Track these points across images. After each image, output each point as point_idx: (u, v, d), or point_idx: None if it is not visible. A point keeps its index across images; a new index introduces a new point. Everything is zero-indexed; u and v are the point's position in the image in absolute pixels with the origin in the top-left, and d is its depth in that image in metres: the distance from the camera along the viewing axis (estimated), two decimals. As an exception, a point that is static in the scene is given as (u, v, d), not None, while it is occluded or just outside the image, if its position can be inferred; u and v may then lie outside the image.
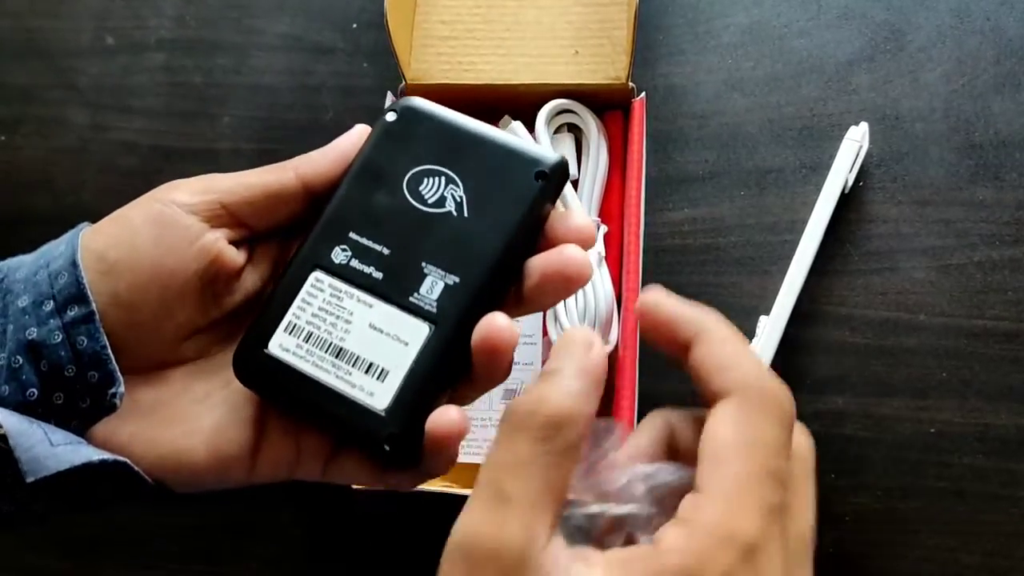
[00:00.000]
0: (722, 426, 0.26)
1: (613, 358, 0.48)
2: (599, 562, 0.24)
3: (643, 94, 0.49)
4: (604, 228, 0.50)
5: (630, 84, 0.49)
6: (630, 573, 0.24)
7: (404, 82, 0.51)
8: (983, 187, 0.52)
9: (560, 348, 0.27)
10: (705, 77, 0.55)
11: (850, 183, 0.51)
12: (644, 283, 0.48)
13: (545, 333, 0.49)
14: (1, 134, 0.60)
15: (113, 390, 0.31)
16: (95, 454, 0.29)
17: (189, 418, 0.32)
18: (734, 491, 0.24)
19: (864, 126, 0.51)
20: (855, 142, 0.51)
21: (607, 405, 0.49)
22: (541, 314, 0.50)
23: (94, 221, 0.37)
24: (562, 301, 0.47)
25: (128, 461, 0.30)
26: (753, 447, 0.25)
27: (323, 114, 0.58)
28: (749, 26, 0.56)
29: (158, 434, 0.32)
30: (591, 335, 0.27)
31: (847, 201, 0.52)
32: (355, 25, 0.59)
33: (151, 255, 0.32)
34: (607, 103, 0.51)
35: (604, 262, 0.49)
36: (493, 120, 0.52)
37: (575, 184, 0.50)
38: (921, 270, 0.51)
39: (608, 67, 0.50)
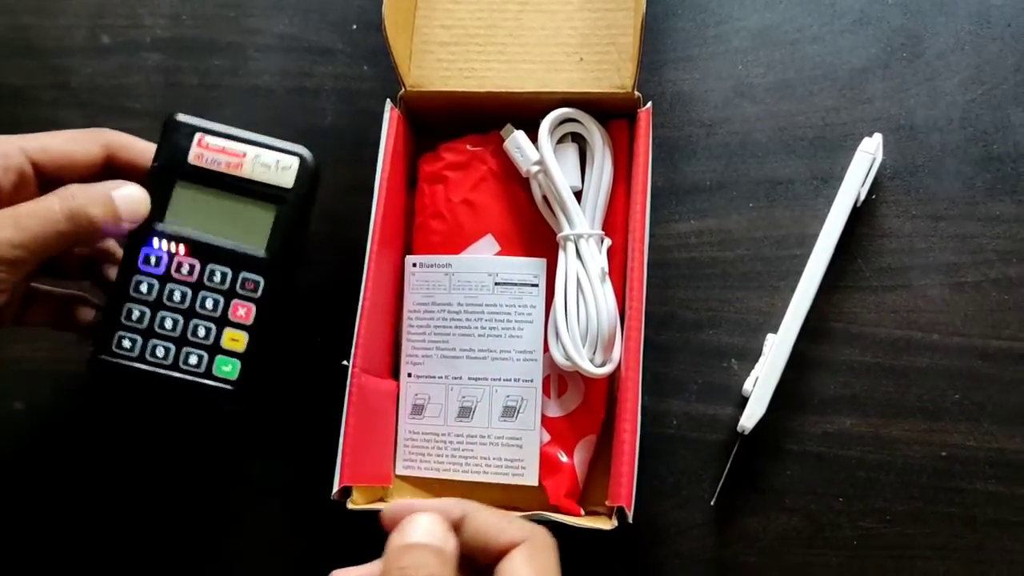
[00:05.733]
0: (522, 566, 0.33)
1: (616, 376, 0.47)
2: None
3: (649, 104, 0.47)
4: (608, 241, 0.48)
5: (636, 93, 0.48)
6: None
7: (404, 89, 0.50)
8: (1000, 201, 0.50)
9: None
10: (714, 84, 0.54)
11: (863, 196, 0.50)
12: (649, 298, 0.47)
13: (546, 349, 0.48)
14: (-6, 135, 0.59)
15: None
16: None
17: None
18: None
19: (878, 137, 0.50)
20: (868, 154, 0.49)
21: (609, 424, 0.48)
22: (542, 330, 0.48)
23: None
24: (564, 318, 0.46)
25: None
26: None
27: (322, 118, 0.56)
28: (760, 31, 0.54)
29: None
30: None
31: (859, 215, 0.50)
32: (355, 26, 0.57)
33: None
34: (612, 111, 0.50)
35: (608, 277, 0.47)
36: (495, 128, 0.50)
37: (578, 196, 0.49)
38: (935, 287, 0.49)
39: (613, 75, 0.49)
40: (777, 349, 0.48)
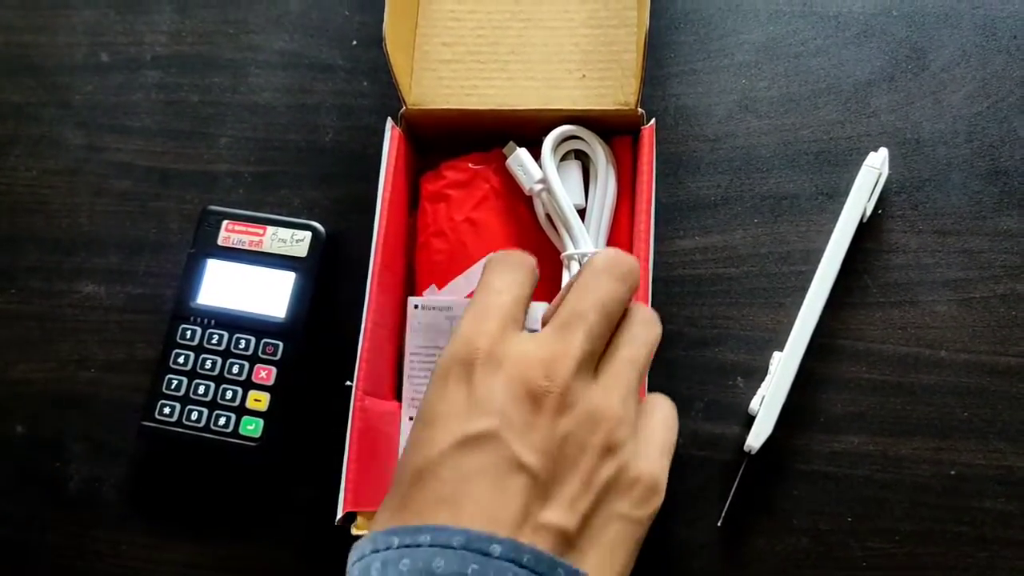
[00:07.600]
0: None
1: (621, 396, 0.47)
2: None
3: (653, 121, 0.47)
4: (612, 259, 0.48)
5: (639, 110, 0.47)
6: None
7: (405, 106, 0.49)
8: (1008, 216, 0.49)
9: None
10: (717, 98, 0.53)
11: (869, 211, 0.49)
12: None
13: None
14: (-5, 154, 0.59)
15: None
16: None
17: None
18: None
19: (883, 152, 0.49)
20: (874, 169, 0.49)
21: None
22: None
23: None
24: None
25: None
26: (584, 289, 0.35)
27: (322, 135, 0.56)
28: (764, 44, 0.54)
29: None
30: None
31: (865, 230, 0.50)
32: (355, 42, 0.57)
33: None
34: (615, 128, 0.49)
35: (612, 296, 0.47)
36: (498, 145, 0.50)
37: (582, 214, 0.48)
38: (942, 303, 0.49)
39: (617, 92, 0.48)
40: (783, 367, 0.47)
